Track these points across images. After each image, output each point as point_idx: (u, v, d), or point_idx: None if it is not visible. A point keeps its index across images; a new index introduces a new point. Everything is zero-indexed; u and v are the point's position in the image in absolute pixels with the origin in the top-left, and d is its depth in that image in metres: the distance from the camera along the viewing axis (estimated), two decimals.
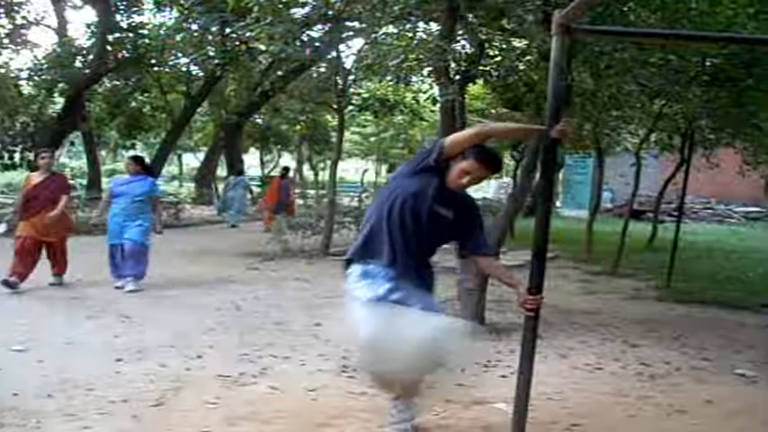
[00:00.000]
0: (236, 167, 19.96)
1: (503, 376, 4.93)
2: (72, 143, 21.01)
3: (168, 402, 4.16)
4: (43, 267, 7.68)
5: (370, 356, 3.33)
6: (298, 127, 25.30)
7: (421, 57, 6.17)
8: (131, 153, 10.77)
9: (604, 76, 6.92)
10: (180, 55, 15.47)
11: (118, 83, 17.91)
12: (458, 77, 6.59)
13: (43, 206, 7.50)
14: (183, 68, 17.23)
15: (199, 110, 20.37)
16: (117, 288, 7.64)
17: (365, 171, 29.46)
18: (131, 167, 8.05)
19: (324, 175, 30.42)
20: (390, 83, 9.73)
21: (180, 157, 34.07)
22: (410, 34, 6.66)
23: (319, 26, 12.67)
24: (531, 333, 2.94)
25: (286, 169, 17.24)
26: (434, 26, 6.86)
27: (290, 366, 5.07)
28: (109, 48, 15.33)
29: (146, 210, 7.86)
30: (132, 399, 4.17)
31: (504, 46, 6.99)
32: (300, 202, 19.26)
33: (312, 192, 24.88)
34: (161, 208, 8.40)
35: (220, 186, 23.05)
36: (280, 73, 16.67)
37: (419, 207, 3.30)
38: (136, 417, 3.91)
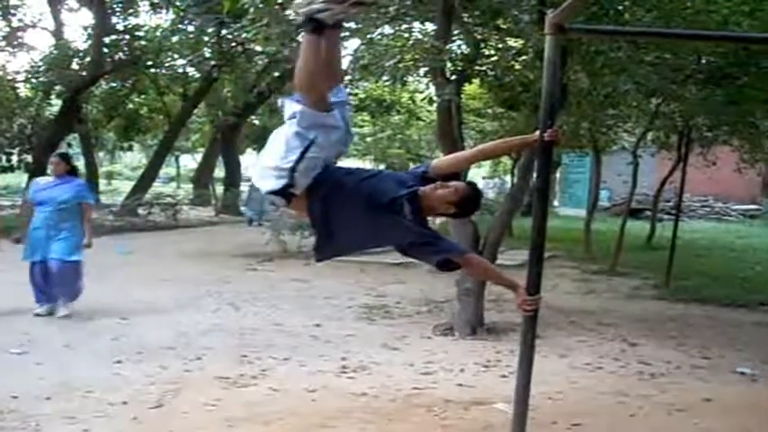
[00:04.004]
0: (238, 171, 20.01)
1: (502, 376, 4.94)
2: (69, 145, 20.97)
3: (168, 404, 4.16)
4: None
5: None
6: None
7: (417, 57, 6.16)
8: (59, 151, 8.40)
9: (600, 75, 6.92)
10: (176, 56, 15.50)
11: (114, 85, 17.93)
12: (454, 77, 6.59)
13: None
14: (180, 70, 17.22)
15: (196, 111, 20.37)
16: (37, 315, 6.31)
17: None
18: (59, 168, 6.56)
19: None
20: (387, 83, 9.71)
21: (177, 158, 34.02)
22: (406, 34, 6.65)
23: None
24: (530, 333, 2.93)
25: None
26: (430, 26, 6.86)
27: (290, 367, 5.07)
28: (105, 50, 15.35)
29: (73, 218, 6.46)
30: (132, 401, 4.17)
31: (500, 46, 6.99)
32: None
33: None
34: (90, 214, 6.67)
35: (218, 188, 23.04)
36: (276, 74, 16.67)
37: (389, 188, 2.91)
38: (135, 419, 3.91)
